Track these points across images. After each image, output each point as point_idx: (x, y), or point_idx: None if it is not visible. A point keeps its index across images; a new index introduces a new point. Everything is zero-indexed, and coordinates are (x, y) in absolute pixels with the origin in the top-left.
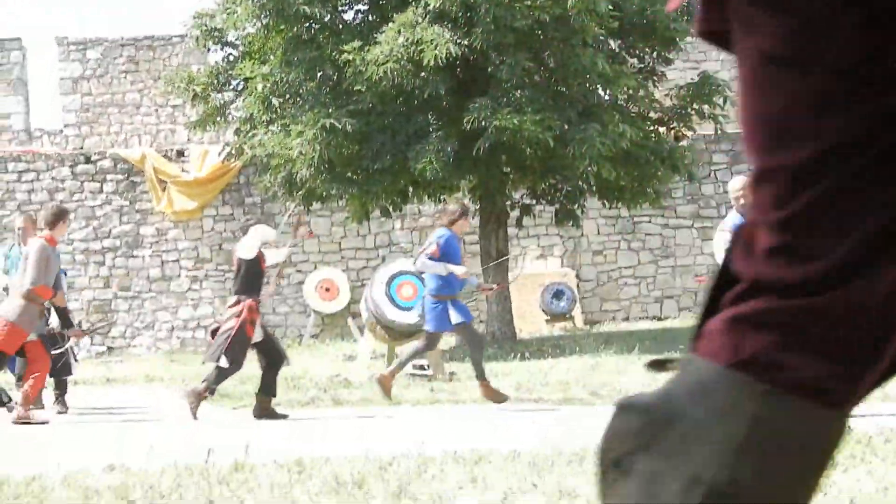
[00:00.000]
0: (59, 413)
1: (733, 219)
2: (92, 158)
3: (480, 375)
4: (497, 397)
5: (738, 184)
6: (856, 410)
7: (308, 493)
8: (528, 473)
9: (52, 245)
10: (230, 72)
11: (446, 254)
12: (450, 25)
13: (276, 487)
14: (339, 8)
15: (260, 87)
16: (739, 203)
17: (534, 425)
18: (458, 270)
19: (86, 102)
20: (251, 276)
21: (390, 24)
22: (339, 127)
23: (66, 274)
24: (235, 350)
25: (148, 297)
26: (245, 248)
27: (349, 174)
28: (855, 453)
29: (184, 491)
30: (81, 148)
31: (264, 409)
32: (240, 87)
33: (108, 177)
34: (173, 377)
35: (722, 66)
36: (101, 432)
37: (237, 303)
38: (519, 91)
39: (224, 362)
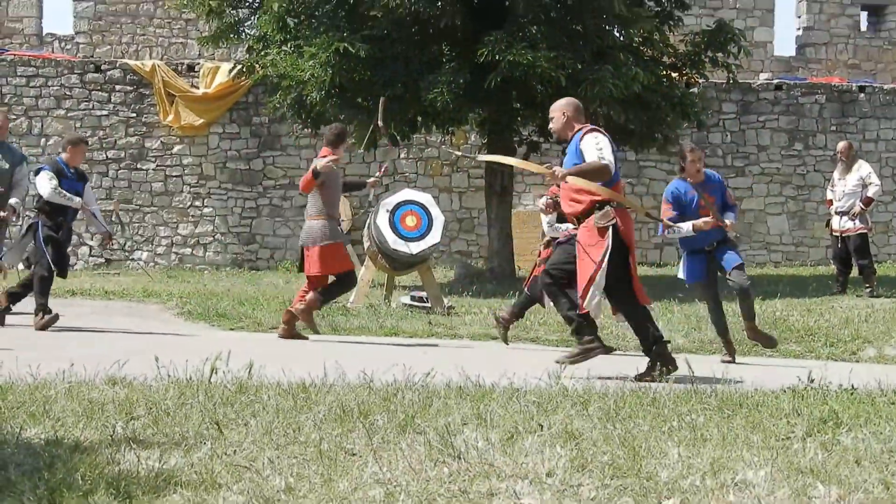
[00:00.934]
0: None
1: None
2: (102, 67)
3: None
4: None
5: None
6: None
7: (314, 419)
8: (533, 413)
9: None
10: None
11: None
12: None
13: (281, 412)
14: None
15: (276, 6)
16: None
17: (533, 364)
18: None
19: (99, 10)
20: None
21: None
22: (353, 51)
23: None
24: None
25: (149, 212)
26: None
27: (359, 100)
28: (860, 413)
29: (188, 409)
30: (92, 56)
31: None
32: (255, 5)
33: (117, 87)
34: (171, 293)
35: (738, 14)
36: (102, 343)
37: None
38: (535, 27)
39: None
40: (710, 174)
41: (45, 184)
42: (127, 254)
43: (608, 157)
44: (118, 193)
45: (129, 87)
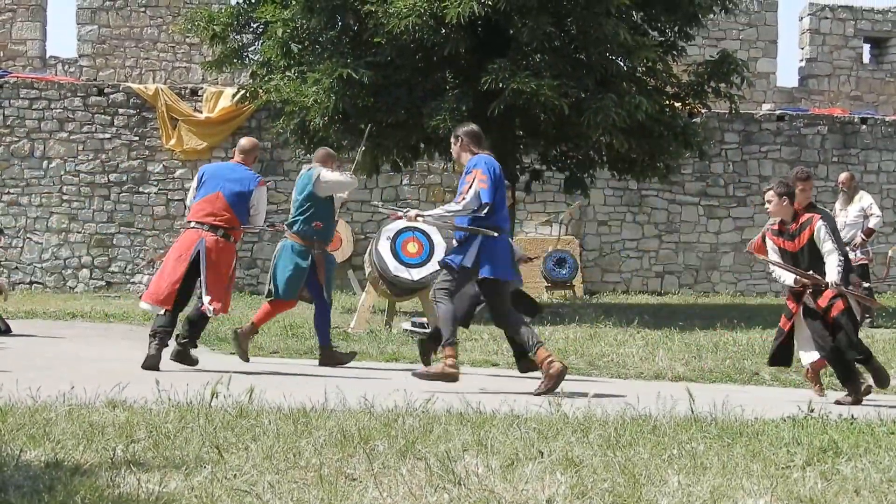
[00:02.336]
0: None
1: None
2: (105, 91)
3: None
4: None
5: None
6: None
7: (314, 444)
8: (534, 439)
9: None
10: (251, 14)
11: None
12: None
13: (282, 437)
14: None
15: (280, 31)
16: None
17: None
18: None
19: (103, 34)
20: None
21: None
22: (356, 78)
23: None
24: None
25: (151, 235)
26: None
27: (362, 126)
28: (859, 443)
29: (189, 433)
30: (95, 79)
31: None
32: (259, 31)
33: (120, 111)
34: None
35: (741, 45)
36: (102, 366)
37: None
38: (538, 55)
39: None
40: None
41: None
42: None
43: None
44: (119, 217)
45: (132, 111)
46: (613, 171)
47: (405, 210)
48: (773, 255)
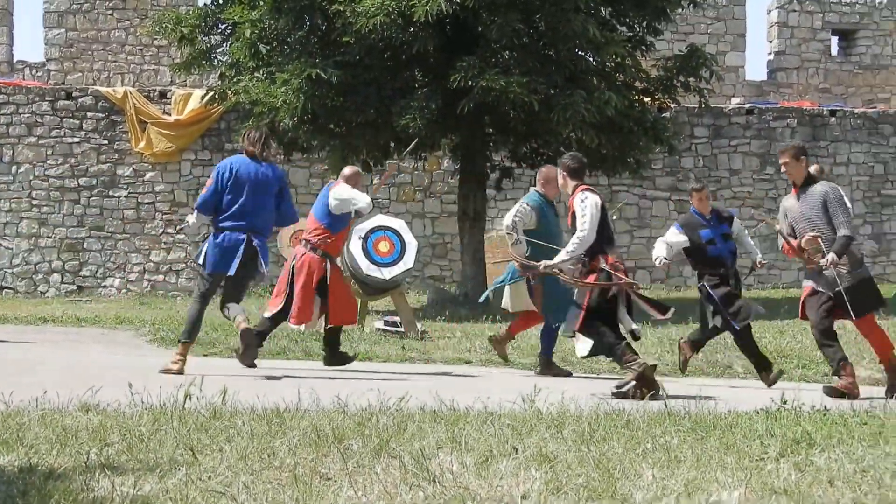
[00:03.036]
0: None
1: None
2: (73, 94)
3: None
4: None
5: None
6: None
7: (288, 444)
8: (508, 435)
9: None
10: (219, 15)
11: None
12: None
13: (256, 438)
14: None
15: (248, 32)
16: None
17: (507, 388)
18: None
19: (70, 37)
20: None
21: None
22: (325, 78)
23: None
24: None
25: (121, 239)
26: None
27: (332, 126)
28: (833, 434)
29: (163, 436)
30: (63, 83)
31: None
32: (227, 32)
33: (89, 114)
34: (143, 320)
35: (709, 39)
36: (75, 370)
37: None
38: (507, 52)
39: None
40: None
41: None
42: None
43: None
44: (90, 221)
45: (100, 114)
46: None
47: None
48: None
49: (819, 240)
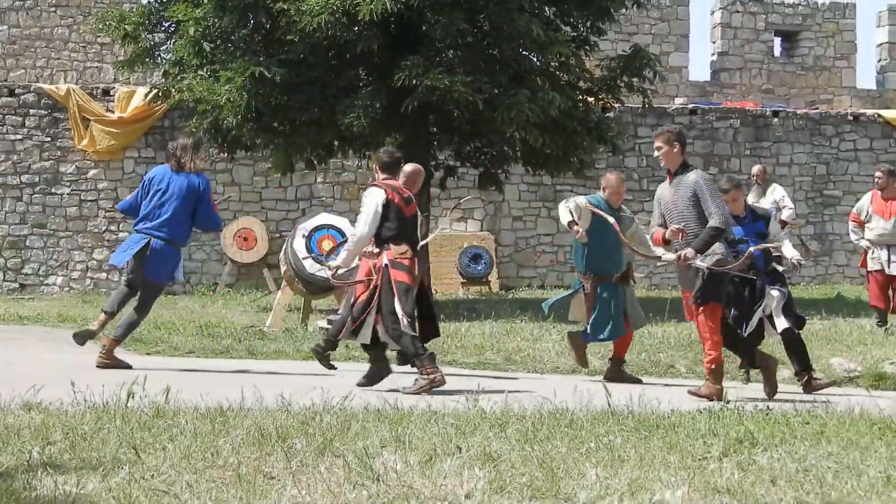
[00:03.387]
0: None
1: None
2: (15, 92)
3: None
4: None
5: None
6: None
7: (232, 443)
8: (451, 435)
9: None
10: (162, 13)
11: None
12: None
13: (199, 436)
14: None
15: (192, 30)
16: None
17: (450, 387)
18: None
19: (13, 34)
20: None
21: None
22: (269, 76)
23: None
24: None
25: (64, 236)
26: None
27: (275, 124)
28: (775, 433)
29: (105, 434)
30: (5, 80)
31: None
32: (171, 30)
33: (31, 111)
34: (86, 318)
35: (653, 39)
36: (17, 369)
37: None
38: (451, 52)
39: None
40: None
41: None
42: None
43: None
44: (32, 218)
45: (43, 112)
46: (528, 166)
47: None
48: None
49: (682, 233)
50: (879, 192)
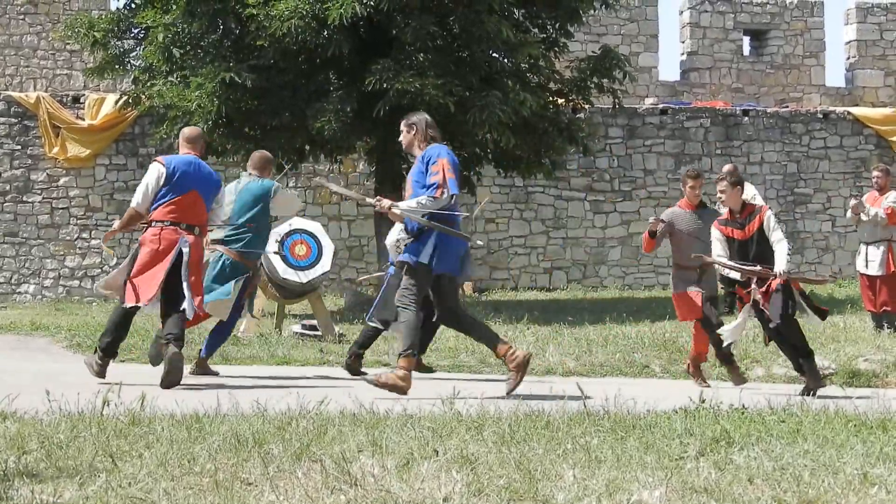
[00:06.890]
0: None
1: None
2: None
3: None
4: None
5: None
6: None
7: (208, 450)
8: (428, 438)
9: None
10: (131, 19)
11: None
12: None
13: (176, 443)
14: None
15: (161, 36)
16: None
17: (428, 391)
18: None
19: None
20: None
21: None
22: (239, 81)
23: None
24: None
25: (36, 244)
26: None
27: (247, 129)
28: (751, 432)
29: (81, 443)
30: None
31: None
32: (140, 36)
33: (1, 119)
34: (59, 326)
35: (622, 40)
36: None
37: None
38: (422, 55)
39: None
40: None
41: None
42: None
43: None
44: (4, 226)
45: (13, 120)
46: (499, 168)
47: (377, 199)
48: (718, 246)
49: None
50: (877, 193)
